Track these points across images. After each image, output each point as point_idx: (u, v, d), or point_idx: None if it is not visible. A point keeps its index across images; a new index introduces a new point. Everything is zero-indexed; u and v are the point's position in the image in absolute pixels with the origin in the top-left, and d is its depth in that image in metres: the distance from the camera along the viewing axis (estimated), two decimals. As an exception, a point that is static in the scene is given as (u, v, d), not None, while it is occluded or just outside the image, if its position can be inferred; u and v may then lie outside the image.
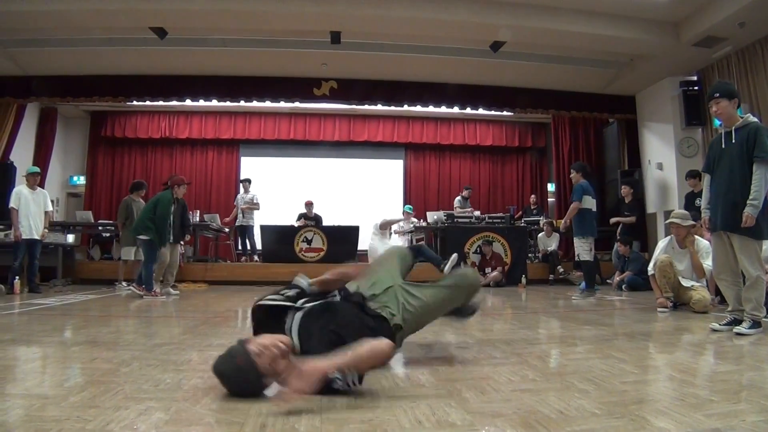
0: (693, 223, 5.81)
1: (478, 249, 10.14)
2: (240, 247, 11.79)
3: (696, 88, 10.26)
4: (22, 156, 11.20)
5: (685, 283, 5.71)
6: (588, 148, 12.71)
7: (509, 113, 12.84)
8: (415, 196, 14.46)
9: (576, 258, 8.30)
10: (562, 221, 7.99)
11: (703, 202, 4.53)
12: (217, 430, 1.78)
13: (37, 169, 8.69)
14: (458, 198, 12.61)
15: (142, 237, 7.38)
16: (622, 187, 10.35)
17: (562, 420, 1.88)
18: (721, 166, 4.27)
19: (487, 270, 9.80)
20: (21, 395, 2.22)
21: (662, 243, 6.06)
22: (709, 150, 4.56)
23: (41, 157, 12.09)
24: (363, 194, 14.07)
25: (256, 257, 11.61)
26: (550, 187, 14.44)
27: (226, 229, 11.87)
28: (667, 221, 5.96)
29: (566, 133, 12.77)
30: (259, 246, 11.47)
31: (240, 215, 11.56)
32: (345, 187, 14.06)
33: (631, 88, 11.43)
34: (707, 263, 5.51)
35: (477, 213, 11.63)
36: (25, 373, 2.81)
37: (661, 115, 10.88)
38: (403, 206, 13.07)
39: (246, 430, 1.78)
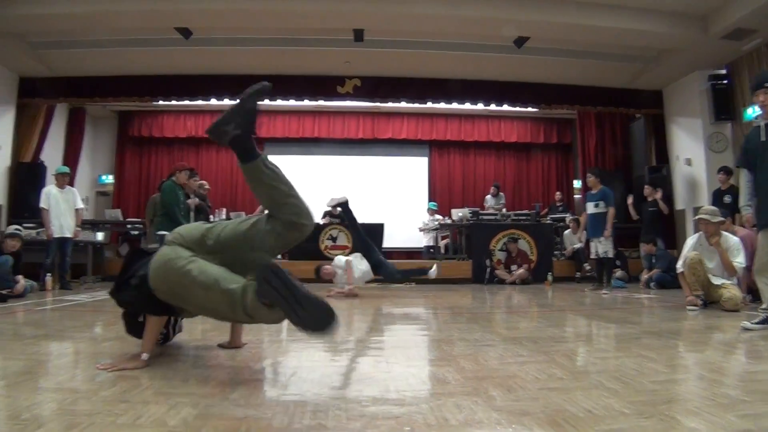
0: (722, 219, 5.70)
1: (504, 246, 10.09)
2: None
3: (725, 81, 10.01)
4: (52, 156, 11.40)
5: (716, 281, 5.59)
6: (614, 144, 12.55)
7: (534, 109, 12.72)
8: (440, 194, 14.40)
9: (597, 256, 8.33)
10: (607, 231, 8.18)
11: (742, 198, 4.42)
12: (245, 425, 1.80)
13: (66, 169, 8.85)
14: (487, 197, 12.58)
15: (159, 233, 7.53)
16: (645, 187, 10.26)
17: (590, 419, 1.86)
18: (766, 159, 4.13)
19: (513, 268, 9.76)
20: (54, 389, 2.27)
21: (691, 240, 5.95)
22: (746, 144, 4.41)
23: (71, 156, 12.28)
24: (387, 192, 14.07)
25: (279, 255, 11.67)
26: (576, 184, 14.29)
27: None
28: (696, 217, 5.84)
29: (592, 128, 12.62)
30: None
31: None
32: (369, 184, 14.05)
33: (658, 82, 11.24)
34: (738, 261, 5.41)
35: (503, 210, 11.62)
36: (57, 367, 2.86)
37: (690, 110, 10.66)
38: (428, 203, 13.05)
39: (274, 425, 1.79)
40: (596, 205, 8.37)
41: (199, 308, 2.53)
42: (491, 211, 11.58)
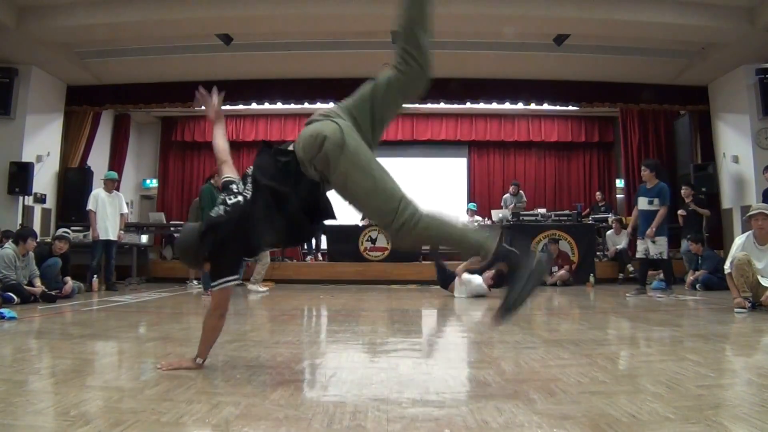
0: None
1: (545, 247, 9.95)
2: (306, 247, 12.02)
3: (773, 75, 9.70)
4: (98, 161, 11.72)
5: (766, 282, 5.39)
6: (658, 142, 12.25)
7: (575, 108, 12.53)
8: (479, 195, 14.29)
9: (649, 256, 7.94)
10: (652, 229, 7.55)
11: None
12: (286, 426, 1.81)
13: (114, 175, 9.15)
14: (506, 196, 12.42)
15: None
16: (683, 187, 9.95)
17: (634, 424, 1.82)
18: None
19: (554, 269, 9.61)
20: (100, 387, 2.33)
21: (739, 240, 5.75)
22: None
23: (116, 161, 12.61)
24: (426, 193, 14.02)
25: (320, 256, 11.79)
26: (619, 183, 14.02)
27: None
28: (750, 214, 5.61)
29: (635, 126, 12.35)
30: (324, 245, 11.67)
31: None
32: (408, 186, 14.00)
33: (703, 78, 10.91)
34: None
35: (542, 211, 11.43)
36: (103, 366, 2.94)
37: (737, 106, 10.33)
38: (467, 204, 12.97)
39: (314, 426, 1.80)
40: (650, 202, 7.73)
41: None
42: (507, 212, 11.34)
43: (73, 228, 9.12)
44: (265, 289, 8.43)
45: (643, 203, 7.77)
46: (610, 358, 3.06)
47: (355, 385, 2.40)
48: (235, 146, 14.38)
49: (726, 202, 10.52)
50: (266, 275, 8.94)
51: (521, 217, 10.73)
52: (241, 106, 12.34)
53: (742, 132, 10.09)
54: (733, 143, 10.38)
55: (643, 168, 8.02)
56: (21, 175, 9.43)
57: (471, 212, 12.32)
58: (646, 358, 3.14)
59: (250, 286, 8.27)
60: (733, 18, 8.60)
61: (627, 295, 7.54)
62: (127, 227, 9.60)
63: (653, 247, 7.61)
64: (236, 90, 11.28)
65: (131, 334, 4.14)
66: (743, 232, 6.05)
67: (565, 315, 5.72)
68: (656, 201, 7.60)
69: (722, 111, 10.81)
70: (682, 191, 9.85)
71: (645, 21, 8.52)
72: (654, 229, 7.50)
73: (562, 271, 9.46)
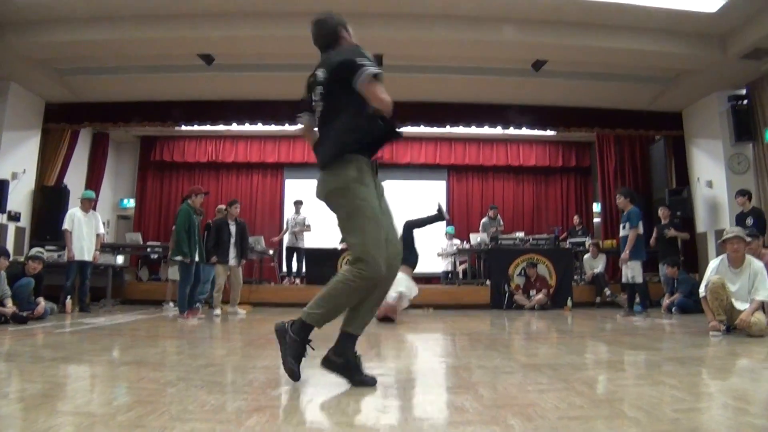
0: (752, 239, 5.58)
1: (523, 271, 10.00)
2: (285, 269, 11.89)
3: (745, 102, 9.91)
4: (75, 180, 11.61)
5: (740, 305, 5.43)
6: (634, 167, 12.47)
7: (552, 133, 12.70)
8: (458, 218, 14.35)
9: (627, 281, 8.12)
10: (624, 254, 7.95)
11: None
12: (261, 453, 1.78)
13: (92, 194, 9.03)
14: (484, 220, 12.49)
15: (176, 258, 7.56)
16: (660, 209, 10.12)
17: (611, 449, 1.82)
18: None
19: (532, 293, 9.66)
20: (71, 413, 2.27)
21: (714, 263, 5.81)
22: None
23: (93, 180, 12.48)
24: (405, 216, 14.01)
25: (297, 280, 11.65)
26: (596, 207, 14.19)
27: (270, 251, 11.99)
28: (724, 237, 5.65)
29: (611, 151, 12.56)
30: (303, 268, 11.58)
31: (291, 237, 11.69)
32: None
33: (677, 103, 11.18)
34: (763, 292, 5.25)
35: (520, 234, 11.48)
36: (75, 391, 2.87)
37: (710, 131, 10.59)
38: (446, 228, 12.99)
39: (289, 453, 1.78)
40: (623, 227, 8.17)
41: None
42: (484, 236, 11.41)
43: (47, 247, 8.96)
44: (242, 312, 8.37)
45: (621, 229, 8.17)
46: (587, 382, 3.06)
47: (333, 411, 2.37)
48: (214, 167, 14.36)
49: (700, 226, 10.71)
50: (243, 298, 8.86)
51: (499, 241, 10.79)
52: (221, 127, 12.32)
53: (716, 157, 10.31)
54: (707, 168, 10.60)
55: (617, 196, 8.42)
56: (-5, 193, 9.29)
57: (449, 236, 12.35)
58: (623, 382, 3.15)
59: (228, 308, 8.23)
60: (706, 46, 8.85)
61: (618, 314, 7.99)
62: (103, 248, 9.47)
63: (626, 270, 7.89)
64: (217, 110, 11.29)
65: (104, 357, 4.07)
66: (717, 256, 6.12)
67: (543, 339, 5.73)
68: (627, 225, 7.89)
69: (696, 136, 11.05)
70: (660, 212, 10.00)
71: (621, 48, 8.73)
72: (627, 254, 7.75)
73: (540, 295, 9.51)
